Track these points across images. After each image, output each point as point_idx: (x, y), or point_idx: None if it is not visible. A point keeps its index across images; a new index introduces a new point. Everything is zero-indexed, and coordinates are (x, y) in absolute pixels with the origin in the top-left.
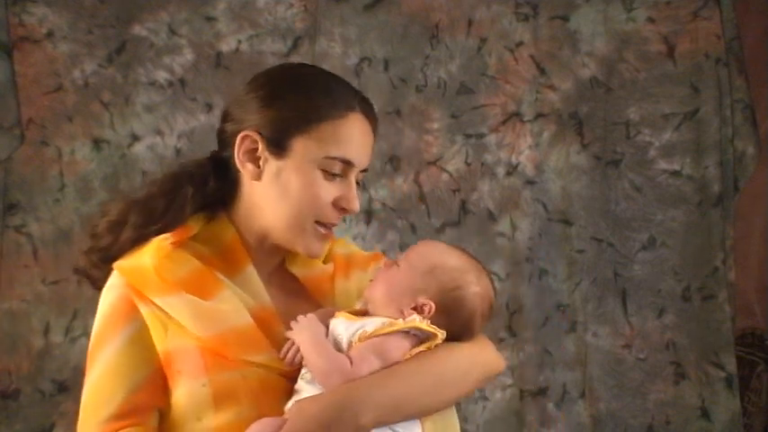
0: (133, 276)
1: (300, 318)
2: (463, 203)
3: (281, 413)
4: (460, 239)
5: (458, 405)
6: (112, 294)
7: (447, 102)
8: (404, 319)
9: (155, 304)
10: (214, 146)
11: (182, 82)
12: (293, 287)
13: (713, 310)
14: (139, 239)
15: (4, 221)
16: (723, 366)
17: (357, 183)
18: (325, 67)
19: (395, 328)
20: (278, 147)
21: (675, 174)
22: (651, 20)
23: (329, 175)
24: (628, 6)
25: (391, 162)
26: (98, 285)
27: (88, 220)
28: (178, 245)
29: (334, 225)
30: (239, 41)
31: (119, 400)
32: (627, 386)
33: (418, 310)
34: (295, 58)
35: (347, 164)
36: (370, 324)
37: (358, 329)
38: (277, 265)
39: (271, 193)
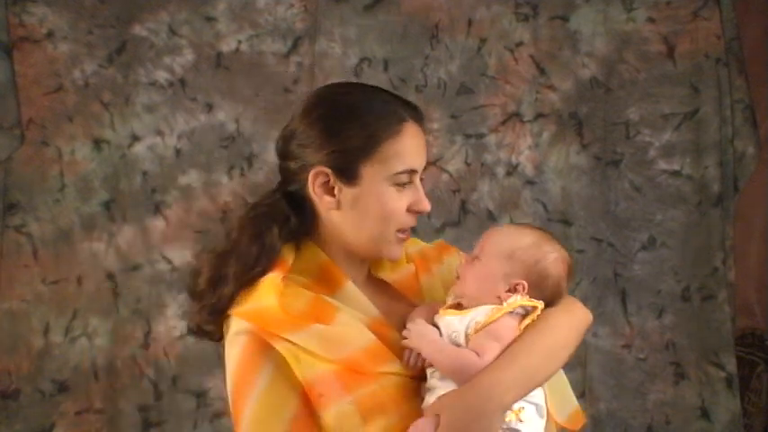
0: (259, 320)
1: (410, 326)
2: (463, 203)
3: (421, 413)
4: (460, 239)
5: None
6: (242, 339)
7: (447, 102)
8: (504, 302)
9: (285, 340)
10: (214, 146)
11: (182, 82)
12: (386, 291)
13: (713, 310)
14: (239, 289)
15: (4, 221)
16: (723, 366)
17: (421, 179)
18: (326, 66)
19: (503, 311)
20: (348, 176)
21: (675, 174)
22: (651, 20)
23: (400, 186)
24: (628, 6)
25: None
26: (216, 338)
27: (88, 219)
28: (285, 281)
29: (411, 229)
30: (239, 41)
31: None
32: (627, 386)
33: (513, 290)
34: (295, 59)
35: (413, 172)
36: (480, 314)
37: (470, 321)
38: (367, 275)
39: (351, 219)
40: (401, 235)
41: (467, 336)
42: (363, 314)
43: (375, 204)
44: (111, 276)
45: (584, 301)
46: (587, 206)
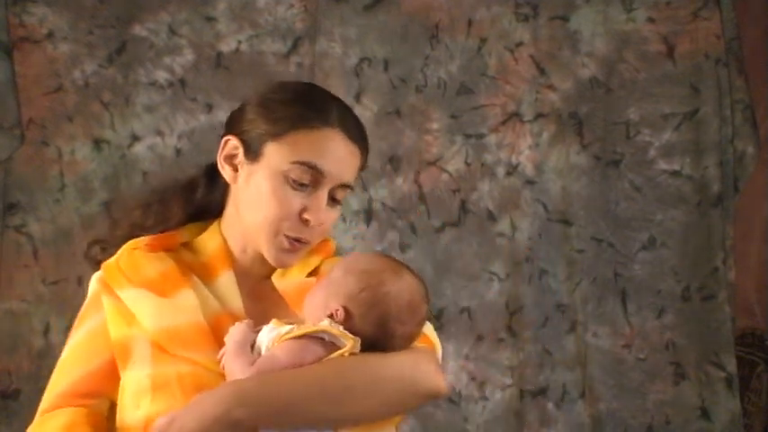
0: (106, 272)
1: (236, 323)
2: (463, 203)
3: None
4: (460, 239)
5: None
6: (90, 286)
7: (447, 102)
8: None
9: (116, 296)
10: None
11: (182, 82)
12: (274, 298)
13: (713, 310)
14: (129, 237)
15: (4, 221)
16: (723, 366)
17: (338, 201)
18: (326, 66)
19: (303, 331)
20: (253, 152)
21: (675, 174)
22: (651, 20)
23: (296, 183)
24: (628, 6)
25: (391, 162)
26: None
27: (88, 219)
28: (158, 248)
29: (300, 240)
30: (239, 42)
31: (72, 379)
32: (627, 386)
33: (331, 316)
34: (295, 59)
35: (315, 171)
36: (286, 329)
37: (276, 335)
38: (263, 275)
39: (244, 197)
40: (295, 243)
41: (267, 348)
42: (221, 307)
43: (264, 188)
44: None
45: (584, 301)
46: (587, 206)
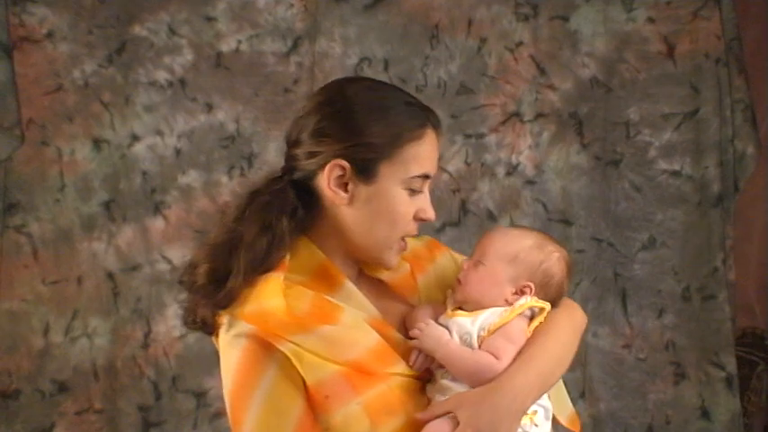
0: (264, 323)
1: (420, 326)
2: (463, 203)
3: None
4: (460, 239)
5: None
6: (243, 342)
7: (447, 102)
8: (514, 304)
9: (290, 341)
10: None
11: (182, 82)
12: (381, 290)
13: (713, 310)
14: (247, 283)
15: (4, 221)
16: (723, 366)
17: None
18: (326, 66)
19: (515, 312)
20: (366, 173)
21: (675, 174)
22: (651, 20)
23: (412, 191)
24: (628, 6)
25: None
26: (210, 332)
27: (88, 219)
28: (286, 279)
29: (414, 236)
30: (239, 41)
31: None
32: (627, 386)
33: (520, 292)
34: (295, 59)
35: (426, 177)
36: (492, 316)
37: (483, 323)
38: (359, 273)
39: (360, 218)
40: (402, 243)
41: (480, 337)
42: (365, 313)
43: (387, 206)
44: (111, 276)
45: (584, 301)
46: (587, 206)
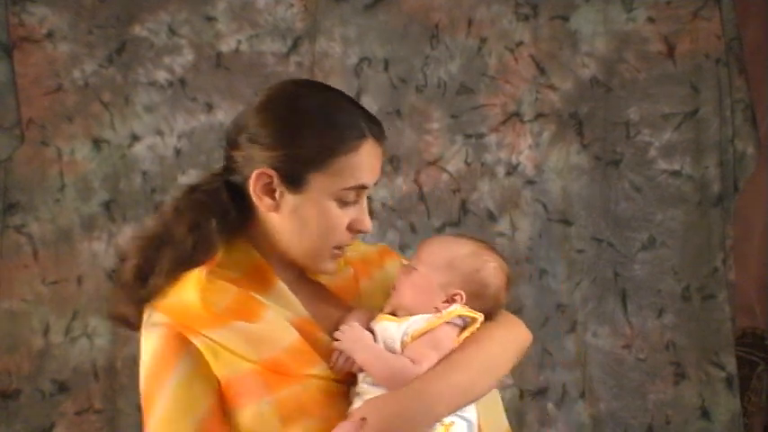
0: (179, 315)
1: (344, 328)
2: (463, 203)
3: (346, 417)
4: None
5: None
6: (158, 331)
7: (447, 102)
8: (443, 312)
9: (204, 336)
10: (214, 146)
11: (182, 82)
12: (319, 293)
13: (713, 310)
14: (171, 281)
15: (4, 221)
16: (723, 366)
17: (368, 197)
18: (326, 66)
19: (442, 320)
20: (294, 182)
21: (675, 174)
22: (651, 20)
23: (344, 203)
24: (628, 6)
25: (391, 162)
26: (135, 328)
27: (88, 219)
28: (212, 276)
29: (345, 246)
30: (239, 41)
31: None
32: (627, 386)
33: (451, 300)
34: (295, 59)
35: (361, 188)
36: (418, 322)
37: (407, 328)
38: (299, 275)
39: (288, 226)
40: (337, 251)
41: (403, 342)
42: (292, 313)
43: (315, 217)
44: (111, 276)
45: (584, 301)
46: (587, 206)
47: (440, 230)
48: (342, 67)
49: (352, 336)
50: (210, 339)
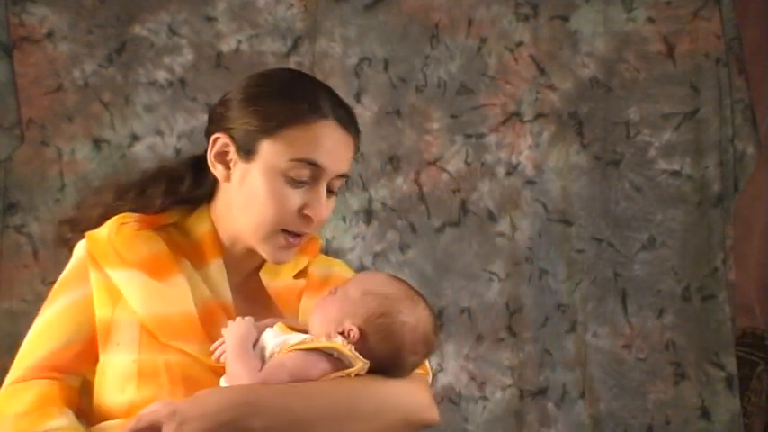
0: (93, 245)
1: (238, 319)
2: (463, 203)
3: None
4: (460, 239)
5: (457, 405)
6: (75, 256)
7: (447, 102)
8: (321, 339)
9: (104, 273)
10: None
11: (182, 82)
12: (261, 295)
13: (713, 310)
14: (106, 216)
15: (4, 221)
16: (723, 366)
17: (334, 192)
18: (326, 66)
19: (314, 345)
20: (246, 150)
21: (675, 174)
22: (651, 20)
23: (295, 182)
24: (628, 6)
25: (391, 162)
26: (68, 248)
27: None
28: (147, 226)
29: (301, 234)
30: (239, 41)
31: (45, 352)
32: (627, 386)
33: (344, 334)
34: (295, 59)
35: (314, 167)
36: (294, 338)
37: (282, 341)
38: (251, 270)
39: (238, 197)
40: (291, 239)
41: (272, 353)
42: (212, 294)
43: (261, 188)
44: None
45: (584, 301)
46: (587, 206)
47: (440, 230)
48: (342, 68)
49: (234, 326)
50: (109, 278)
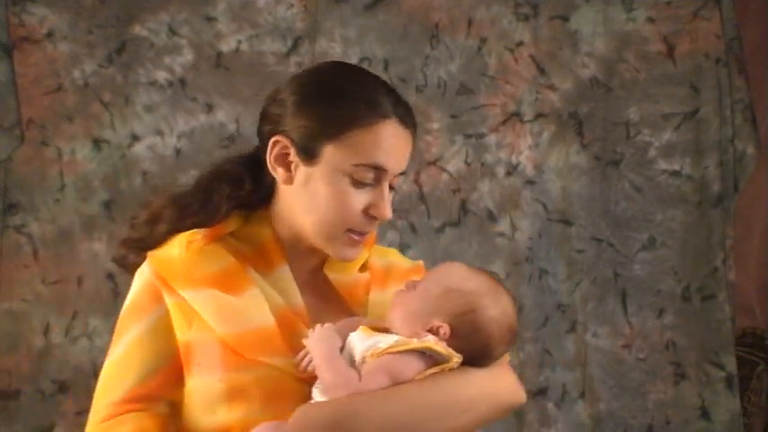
0: (162, 267)
1: (318, 327)
2: (463, 203)
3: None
4: (460, 239)
5: None
6: (141, 280)
7: (447, 102)
8: (413, 340)
9: (178, 295)
10: (214, 146)
11: (182, 82)
12: (330, 292)
13: (713, 310)
14: (173, 233)
15: (4, 221)
16: (723, 366)
17: (393, 188)
18: None
19: (408, 347)
20: (308, 153)
21: (675, 174)
22: (651, 20)
23: (359, 183)
24: (628, 6)
25: None
26: (130, 270)
27: (88, 219)
28: (212, 240)
29: (367, 232)
30: (239, 41)
31: (129, 385)
32: (627, 386)
33: (433, 332)
34: (295, 59)
35: (378, 170)
36: (384, 341)
37: (371, 345)
38: (315, 267)
39: (301, 199)
40: (355, 236)
41: (363, 358)
42: (284, 301)
43: (325, 191)
44: (111, 276)
45: (584, 301)
46: (587, 206)
47: (440, 230)
48: None
49: (318, 335)
50: (183, 300)
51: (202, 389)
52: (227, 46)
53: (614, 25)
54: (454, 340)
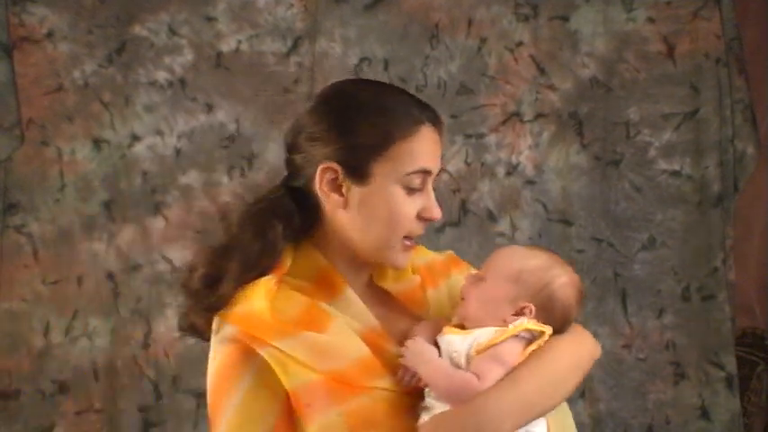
0: (249, 324)
1: (409, 343)
2: (463, 203)
3: (414, 431)
4: (460, 239)
5: None
6: (227, 343)
7: (447, 102)
8: (510, 325)
9: (272, 346)
10: (214, 146)
11: (182, 82)
12: (388, 301)
13: (713, 310)
14: (239, 287)
15: (4, 221)
16: (723, 366)
17: (433, 188)
18: (326, 67)
19: (508, 334)
20: (358, 174)
21: (675, 174)
22: (651, 20)
23: (411, 190)
24: (628, 6)
25: None
26: (206, 337)
27: (88, 219)
28: (279, 284)
29: (418, 236)
30: (239, 41)
31: None
32: (627, 386)
33: (520, 313)
34: (295, 59)
35: (426, 173)
36: (483, 335)
37: (473, 342)
38: (368, 283)
39: (357, 220)
40: (408, 242)
41: (468, 357)
42: (361, 324)
43: (384, 206)
44: (111, 276)
45: (585, 301)
46: (587, 206)
47: (440, 230)
48: (342, 68)
49: (415, 350)
50: (278, 350)
51: (322, 428)
52: (227, 46)
53: (614, 25)
54: (538, 315)
